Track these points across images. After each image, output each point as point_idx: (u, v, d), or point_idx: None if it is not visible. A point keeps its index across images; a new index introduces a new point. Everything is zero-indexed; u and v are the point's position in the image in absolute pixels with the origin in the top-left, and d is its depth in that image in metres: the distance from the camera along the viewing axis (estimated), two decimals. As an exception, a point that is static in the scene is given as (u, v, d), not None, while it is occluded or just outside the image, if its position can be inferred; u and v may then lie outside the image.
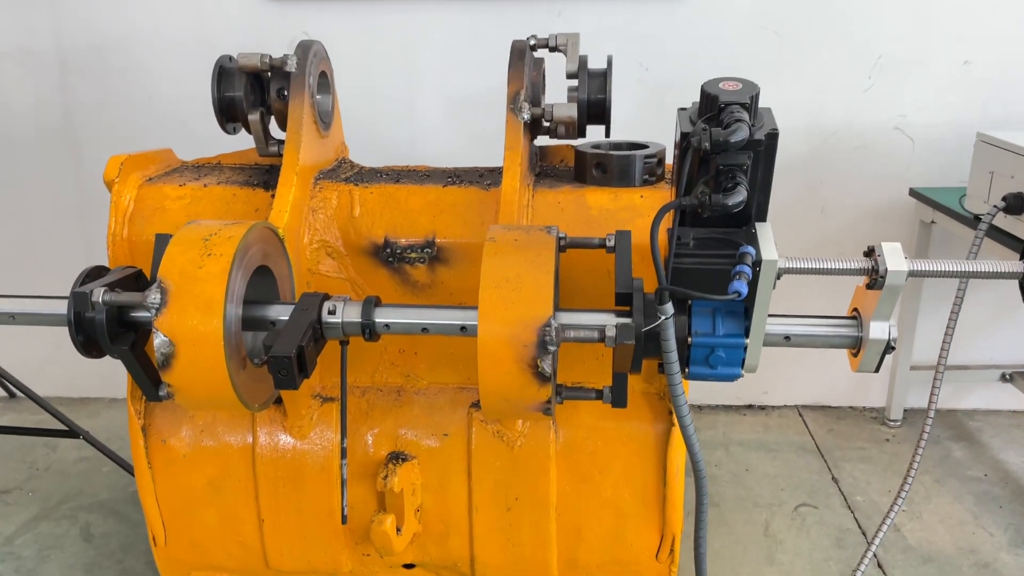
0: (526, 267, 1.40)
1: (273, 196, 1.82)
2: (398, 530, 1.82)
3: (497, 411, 1.46)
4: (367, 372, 1.90)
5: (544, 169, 1.99)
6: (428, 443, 1.86)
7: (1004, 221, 2.46)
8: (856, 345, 1.48)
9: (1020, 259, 1.42)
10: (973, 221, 2.68)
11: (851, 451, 3.16)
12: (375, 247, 1.81)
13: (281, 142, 1.93)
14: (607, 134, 1.90)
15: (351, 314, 1.52)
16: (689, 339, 1.44)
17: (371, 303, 1.53)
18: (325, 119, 1.96)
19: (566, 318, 1.46)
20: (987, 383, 3.32)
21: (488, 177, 1.91)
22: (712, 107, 1.34)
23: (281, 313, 1.55)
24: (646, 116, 3.00)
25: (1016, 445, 3.20)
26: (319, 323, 1.51)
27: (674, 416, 1.81)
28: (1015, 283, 1.50)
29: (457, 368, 1.87)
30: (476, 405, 1.85)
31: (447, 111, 3.18)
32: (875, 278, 1.36)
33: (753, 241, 1.37)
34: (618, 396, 1.57)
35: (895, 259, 1.35)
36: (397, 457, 1.84)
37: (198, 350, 1.38)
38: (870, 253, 1.38)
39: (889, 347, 1.44)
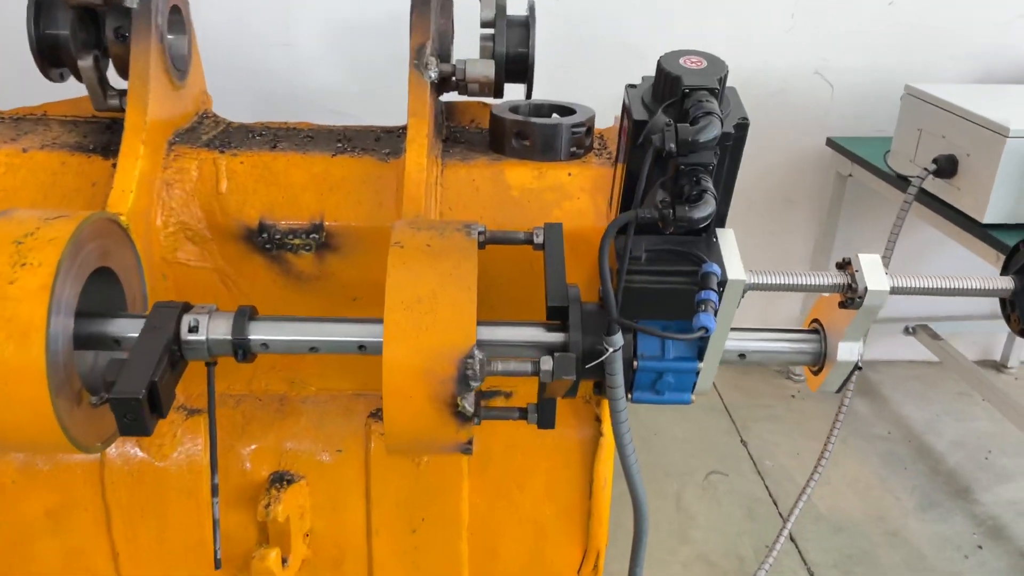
0: (442, 282, 1.13)
1: (115, 166, 1.46)
2: (284, 560, 1.56)
3: (406, 451, 1.21)
4: (242, 378, 1.59)
5: (452, 132, 1.69)
6: (319, 459, 1.58)
7: (932, 184, 2.34)
8: (818, 363, 1.29)
9: (1002, 273, 1.25)
10: (894, 178, 2.56)
11: (758, 409, 3.08)
12: (248, 231, 1.48)
13: (123, 92, 1.55)
14: (528, 95, 1.61)
15: (219, 329, 1.21)
16: (635, 363, 1.21)
17: (245, 315, 1.23)
18: (180, 65, 1.59)
19: (486, 333, 1.21)
20: (891, 336, 3.29)
21: (386, 142, 1.60)
22: (673, 91, 1.08)
23: (128, 329, 1.23)
24: (556, 52, 2.71)
25: (915, 398, 3.20)
26: (177, 344, 1.20)
27: (602, 425, 1.61)
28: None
29: (352, 372, 1.59)
30: (375, 415, 1.59)
31: (329, 39, 2.79)
32: (851, 297, 1.16)
33: (714, 253, 1.14)
34: (546, 417, 1.34)
35: (875, 276, 1.15)
36: (281, 479, 1.57)
37: (14, 388, 1.06)
38: (845, 266, 1.18)
39: (856, 367, 1.26)
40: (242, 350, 1.23)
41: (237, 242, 1.49)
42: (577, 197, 1.50)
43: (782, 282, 1.15)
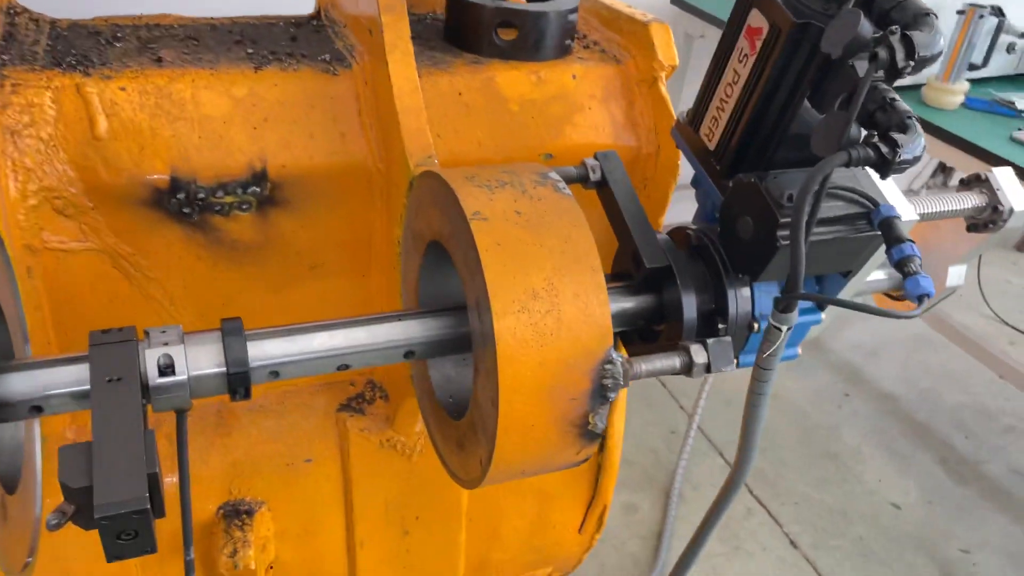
0: (557, 267, 0.81)
1: (-87, 109, 0.91)
2: (251, 608, 1.20)
3: (503, 480, 0.91)
4: (160, 392, 1.15)
5: (388, 22, 1.27)
6: (280, 477, 1.21)
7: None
8: (907, 287, 1.15)
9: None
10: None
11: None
12: (154, 192, 1.01)
13: None
14: (504, -29, 1.23)
15: (204, 361, 0.81)
16: (756, 325, 0.99)
17: (238, 334, 0.83)
18: (-23, -66, 1.01)
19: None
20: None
21: (309, 43, 1.17)
22: (856, -17, 0.81)
23: (50, 382, 0.79)
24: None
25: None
26: (146, 394, 0.79)
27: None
28: None
29: (310, 359, 1.21)
30: (347, 407, 1.23)
31: None
32: (991, 219, 1.00)
33: (869, 187, 0.92)
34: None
35: (1018, 194, 1.00)
36: (237, 511, 1.18)
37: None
38: (976, 182, 1.02)
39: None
40: (243, 387, 0.83)
41: (136, 208, 1.02)
42: (588, 107, 1.19)
43: (937, 210, 0.97)
